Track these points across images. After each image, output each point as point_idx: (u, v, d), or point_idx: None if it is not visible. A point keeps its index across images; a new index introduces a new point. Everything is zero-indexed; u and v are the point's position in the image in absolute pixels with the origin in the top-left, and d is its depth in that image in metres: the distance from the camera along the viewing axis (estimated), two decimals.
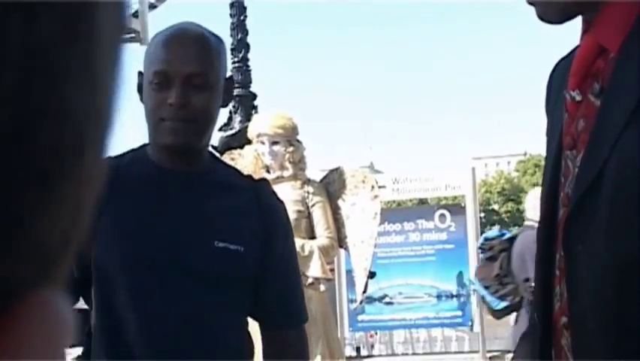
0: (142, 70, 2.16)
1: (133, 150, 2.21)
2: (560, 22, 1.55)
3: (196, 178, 2.16)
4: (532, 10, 1.55)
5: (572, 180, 1.51)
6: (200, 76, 2.09)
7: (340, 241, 5.32)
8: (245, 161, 5.41)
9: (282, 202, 2.31)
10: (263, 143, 5.24)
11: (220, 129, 11.32)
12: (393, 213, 9.08)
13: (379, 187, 5.70)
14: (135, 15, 25.53)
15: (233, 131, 10.50)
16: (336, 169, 5.45)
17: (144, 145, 2.20)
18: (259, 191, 2.23)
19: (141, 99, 2.15)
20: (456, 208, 9.33)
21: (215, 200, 2.16)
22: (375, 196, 5.35)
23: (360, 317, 8.97)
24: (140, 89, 2.15)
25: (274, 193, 2.28)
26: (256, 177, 5.19)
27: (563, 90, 1.59)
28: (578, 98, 1.52)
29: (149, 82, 2.10)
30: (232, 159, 5.70)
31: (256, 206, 2.19)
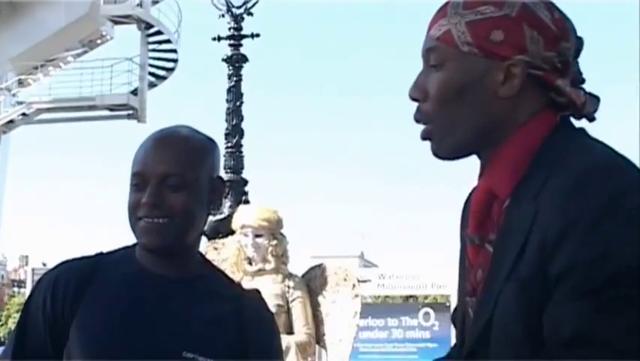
0: None
1: (125, 248, 2.19)
2: (452, 159, 1.59)
3: (178, 283, 2.12)
4: None
5: (469, 327, 1.53)
6: (176, 176, 2.07)
7: (318, 338, 5.26)
8: (227, 251, 5.39)
9: (270, 314, 2.26)
10: (246, 235, 5.22)
11: (209, 214, 11.30)
12: (378, 308, 9.08)
13: (364, 281, 5.68)
14: (134, 93, 25.80)
15: (222, 216, 10.47)
16: (319, 265, 5.42)
17: (135, 244, 2.18)
18: (244, 303, 2.18)
19: None
20: (441, 307, 9.32)
21: (194, 309, 2.11)
22: (356, 295, 5.31)
23: None
24: None
25: (261, 306, 2.23)
26: (237, 268, 5.23)
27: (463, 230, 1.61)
28: (477, 242, 1.54)
29: (130, 184, 2.10)
30: (215, 249, 5.67)
31: (238, 319, 2.14)
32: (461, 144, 1.55)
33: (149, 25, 25.51)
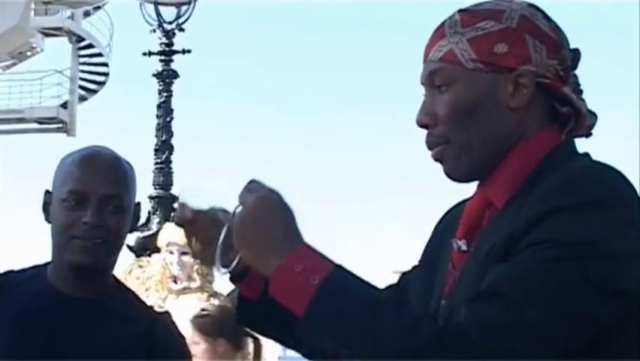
0: (49, 189, 2.14)
1: (35, 267, 2.17)
2: (466, 181, 1.58)
3: (89, 305, 2.11)
4: None
5: None
6: (116, 198, 2.08)
7: (243, 357, 5.23)
8: (153, 269, 5.35)
9: (180, 337, 2.25)
10: (172, 252, 5.18)
11: (137, 230, 11.22)
12: None
13: None
14: (64, 106, 25.45)
15: (150, 232, 10.38)
16: None
17: (47, 263, 2.16)
18: (154, 325, 2.17)
19: (46, 218, 2.13)
20: None
21: (103, 331, 2.09)
22: None
23: None
24: (45, 208, 2.13)
25: (172, 328, 2.22)
26: (162, 286, 5.19)
27: (444, 237, 1.62)
28: (464, 247, 1.55)
29: (62, 200, 2.07)
30: (140, 267, 5.63)
31: (147, 341, 2.13)
32: (477, 162, 1.54)
33: (81, 38, 25.20)
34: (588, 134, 1.59)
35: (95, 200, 2.05)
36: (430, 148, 1.57)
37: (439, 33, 1.57)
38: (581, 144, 1.58)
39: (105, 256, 2.10)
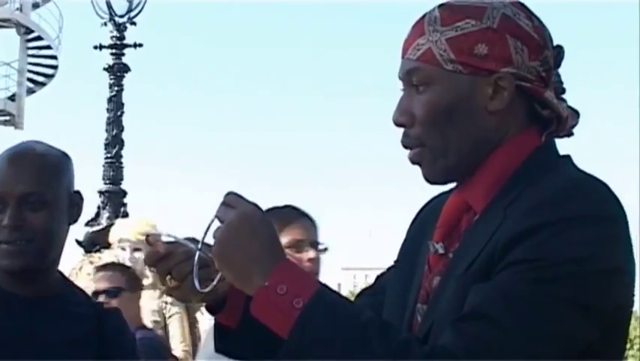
0: None
1: None
2: (443, 183, 1.56)
3: (36, 304, 2.07)
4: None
5: (417, 333, 1.49)
6: (34, 195, 2.04)
7: (195, 355, 5.19)
8: None
9: (130, 334, 2.22)
10: (124, 249, 5.11)
11: (87, 224, 11.12)
12: None
13: None
14: (12, 98, 25.17)
15: (100, 227, 10.30)
16: None
17: None
18: (103, 323, 2.14)
19: None
20: None
21: (52, 329, 2.06)
22: None
23: None
24: None
25: (121, 325, 2.19)
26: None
27: (421, 238, 1.59)
28: (441, 251, 1.52)
29: None
30: (91, 263, 5.54)
31: (97, 338, 2.09)
32: (454, 166, 1.50)
33: (29, 30, 24.92)
34: (570, 134, 1.56)
35: (13, 201, 2.02)
36: (405, 147, 1.54)
37: (418, 30, 1.52)
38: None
39: (36, 256, 2.05)
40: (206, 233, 1.43)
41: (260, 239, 1.39)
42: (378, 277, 1.76)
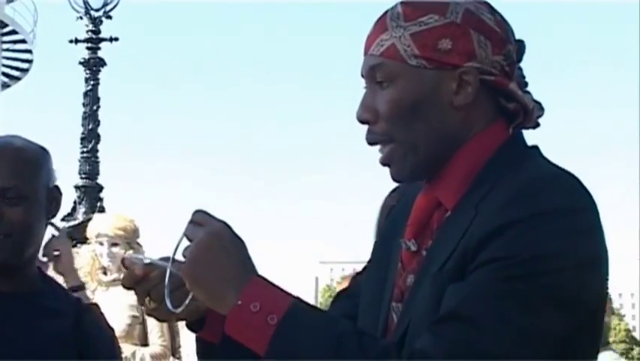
0: None
1: None
2: (412, 181, 1.55)
3: (14, 300, 2.05)
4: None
5: (393, 332, 1.49)
6: (12, 189, 2.03)
7: (174, 350, 5.19)
8: (81, 260, 5.25)
9: (109, 330, 2.21)
10: (102, 244, 5.10)
11: (63, 219, 11.07)
12: None
13: None
14: None
15: (76, 222, 10.25)
16: None
17: None
18: (81, 318, 2.13)
19: None
20: None
21: (31, 326, 2.05)
22: None
23: None
24: None
25: (99, 320, 2.19)
26: (92, 278, 5.10)
27: (394, 234, 1.58)
28: (414, 248, 1.51)
29: None
30: None
31: (77, 335, 2.09)
32: (423, 162, 1.49)
33: (3, 24, 24.76)
34: (536, 126, 1.56)
35: None
36: (370, 144, 1.53)
37: (381, 25, 1.51)
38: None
39: (15, 251, 2.04)
40: (175, 251, 1.41)
41: (231, 257, 1.38)
42: (354, 278, 1.76)
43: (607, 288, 1.44)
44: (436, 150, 1.48)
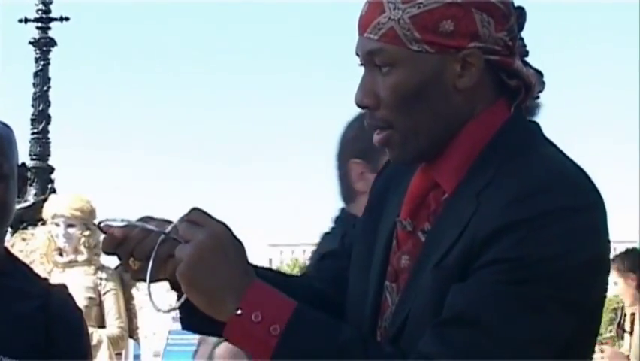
0: None
1: None
2: (412, 164, 1.51)
3: None
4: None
5: (389, 315, 1.47)
6: None
7: (132, 331, 5.17)
8: (37, 242, 5.20)
9: (77, 311, 2.17)
10: (58, 225, 5.05)
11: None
12: None
13: None
14: None
15: (27, 204, 10.11)
16: None
17: None
18: (49, 300, 2.09)
19: None
20: None
21: None
22: None
23: None
24: None
25: (68, 302, 2.15)
26: (47, 259, 5.05)
27: (382, 205, 1.56)
28: (410, 228, 1.48)
29: None
30: (23, 239, 5.46)
31: (44, 316, 2.05)
32: (426, 147, 1.45)
33: None
34: (536, 98, 1.53)
35: None
36: (371, 128, 1.48)
37: (377, 6, 1.44)
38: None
39: None
40: (157, 247, 1.40)
41: (231, 262, 1.34)
42: (342, 238, 1.73)
43: (607, 286, 1.43)
44: (438, 135, 1.45)
